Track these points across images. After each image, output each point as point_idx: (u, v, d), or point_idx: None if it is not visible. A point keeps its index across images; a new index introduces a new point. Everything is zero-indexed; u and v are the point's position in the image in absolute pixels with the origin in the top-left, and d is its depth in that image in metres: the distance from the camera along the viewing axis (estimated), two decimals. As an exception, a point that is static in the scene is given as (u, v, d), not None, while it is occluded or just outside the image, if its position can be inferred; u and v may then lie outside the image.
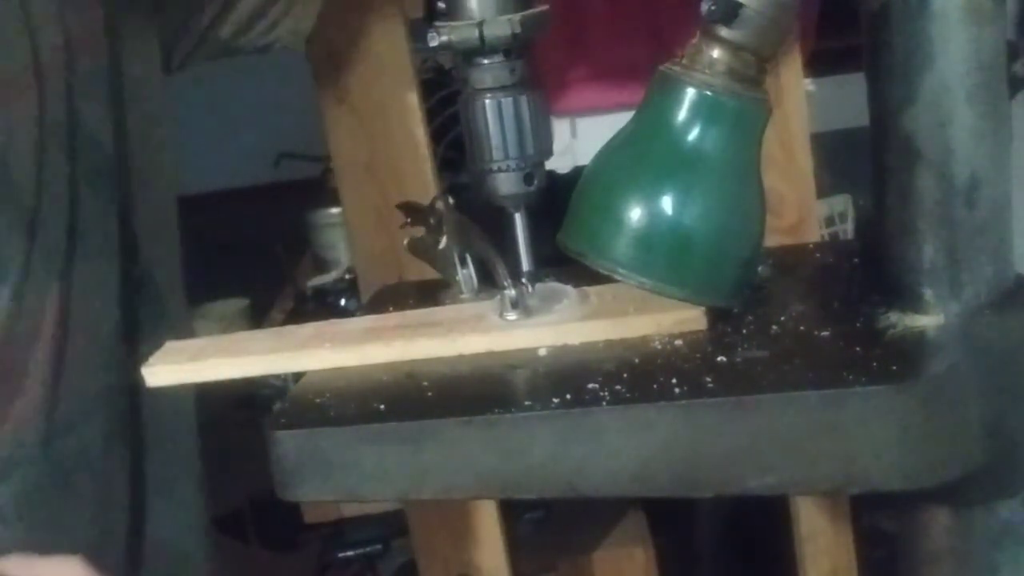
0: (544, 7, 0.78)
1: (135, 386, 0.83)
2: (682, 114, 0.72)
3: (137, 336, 0.88)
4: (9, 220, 0.78)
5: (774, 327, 0.76)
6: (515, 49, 0.77)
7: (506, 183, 0.79)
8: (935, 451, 0.67)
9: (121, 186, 0.87)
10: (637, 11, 1.18)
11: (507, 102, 0.78)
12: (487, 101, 0.78)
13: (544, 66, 1.16)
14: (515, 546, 1.31)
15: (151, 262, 0.92)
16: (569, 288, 0.84)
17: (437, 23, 0.77)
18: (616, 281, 0.74)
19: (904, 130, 0.70)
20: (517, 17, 0.75)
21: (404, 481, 0.72)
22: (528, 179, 0.79)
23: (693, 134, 0.72)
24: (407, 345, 0.80)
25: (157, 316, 0.91)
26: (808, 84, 1.14)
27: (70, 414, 0.82)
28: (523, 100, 0.78)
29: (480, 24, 0.75)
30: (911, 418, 0.66)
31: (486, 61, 0.77)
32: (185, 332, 0.93)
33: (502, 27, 0.75)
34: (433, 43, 0.76)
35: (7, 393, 0.78)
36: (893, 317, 0.73)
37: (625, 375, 0.72)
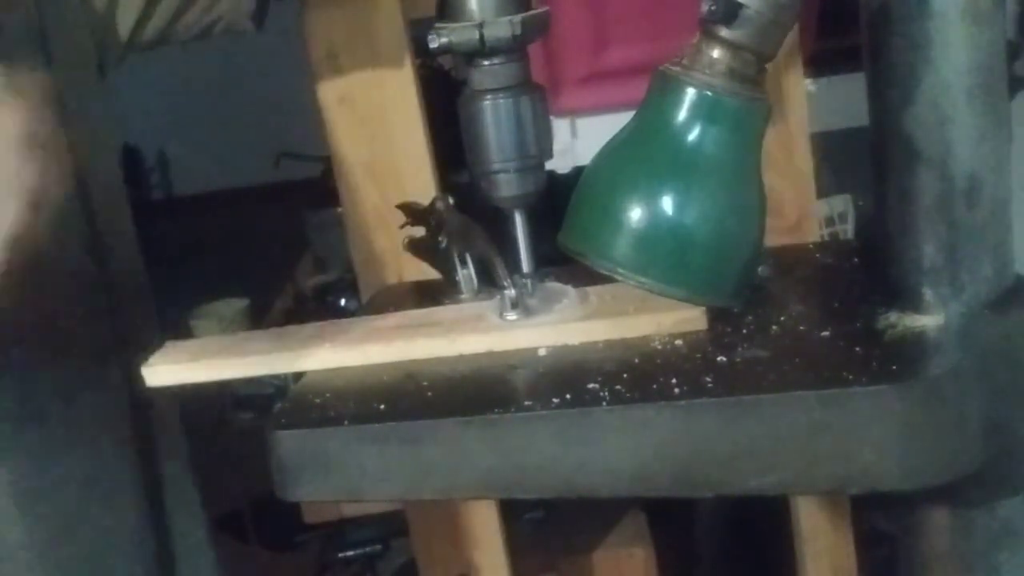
0: (544, 8, 0.78)
1: None
2: (682, 114, 0.72)
3: None
4: None
5: (774, 327, 0.76)
6: (515, 50, 0.77)
7: (506, 184, 0.79)
8: (935, 451, 0.67)
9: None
10: (639, 10, 1.18)
11: (507, 103, 0.78)
12: (487, 103, 0.78)
13: (546, 65, 1.16)
14: (515, 546, 1.31)
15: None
16: (569, 288, 0.84)
17: (438, 24, 0.77)
18: (616, 281, 0.74)
19: (904, 130, 0.70)
20: (517, 18, 0.75)
21: (404, 481, 0.72)
22: (528, 180, 0.79)
23: (693, 134, 0.72)
24: (407, 345, 0.80)
25: None
26: (808, 84, 1.14)
27: None
28: (523, 101, 0.78)
29: (480, 26, 0.75)
30: (911, 418, 0.66)
31: (486, 63, 0.77)
32: None
33: (502, 28, 0.75)
34: (433, 44, 0.76)
35: None
36: (893, 317, 0.73)
37: (625, 375, 0.72)
